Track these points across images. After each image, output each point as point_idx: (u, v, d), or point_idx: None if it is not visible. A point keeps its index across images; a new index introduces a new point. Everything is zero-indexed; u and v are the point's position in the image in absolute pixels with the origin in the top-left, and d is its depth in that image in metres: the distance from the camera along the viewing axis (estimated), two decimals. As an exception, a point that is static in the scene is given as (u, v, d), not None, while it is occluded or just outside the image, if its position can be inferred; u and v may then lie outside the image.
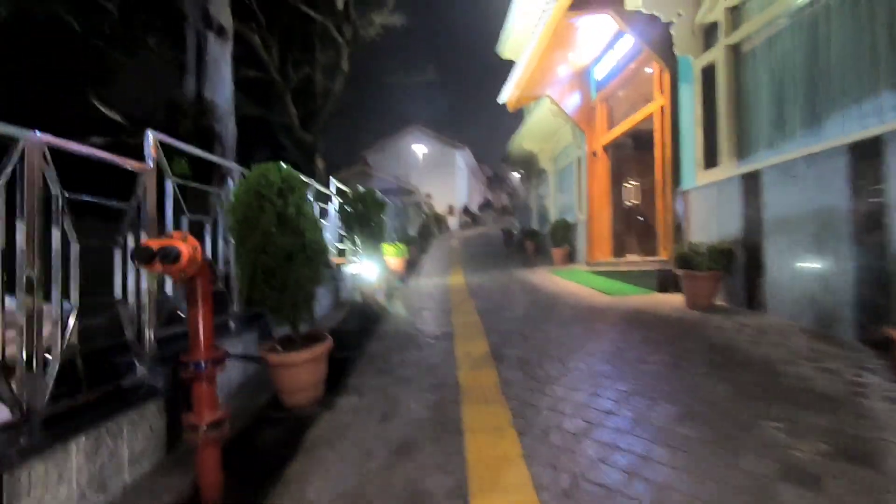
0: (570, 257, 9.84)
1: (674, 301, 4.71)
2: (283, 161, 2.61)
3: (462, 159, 32.27)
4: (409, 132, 28.80)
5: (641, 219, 8.73)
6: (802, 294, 3.44)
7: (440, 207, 27.86)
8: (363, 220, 5.61)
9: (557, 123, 10.53)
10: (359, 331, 4.24)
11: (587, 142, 8.78)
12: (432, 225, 22.18)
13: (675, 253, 4.48)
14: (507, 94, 8.52)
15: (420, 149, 26.13)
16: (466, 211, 30.86)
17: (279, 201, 2.38)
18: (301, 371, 2.47)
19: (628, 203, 8.73)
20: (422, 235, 16.20)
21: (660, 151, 6.28)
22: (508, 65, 9.27)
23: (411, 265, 10.81)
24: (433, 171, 28.47)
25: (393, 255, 8.73)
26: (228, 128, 6.94)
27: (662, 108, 6.14)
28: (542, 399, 2.40)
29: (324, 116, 14.10)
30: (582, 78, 8.73)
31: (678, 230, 5.50)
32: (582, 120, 8.76)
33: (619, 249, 8.78)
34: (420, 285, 7.59)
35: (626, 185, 8.72)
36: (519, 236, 15.42)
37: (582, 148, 9.46)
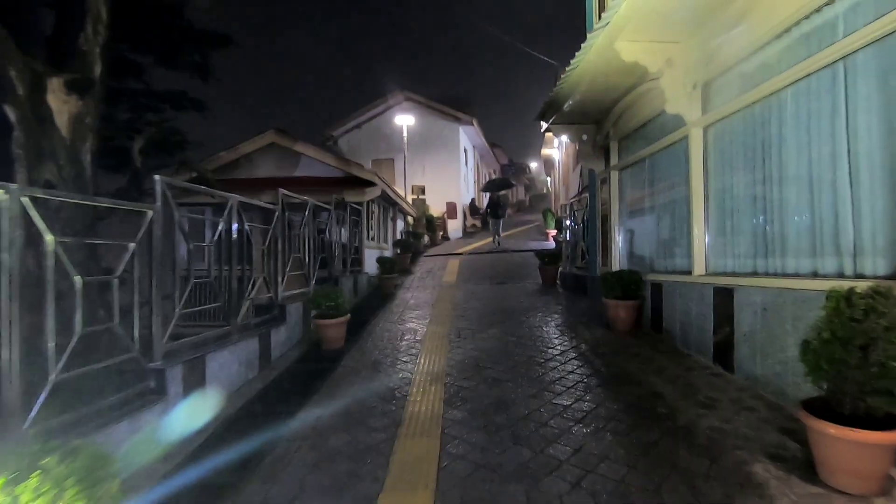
0: None
1: None
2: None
3: (467, 137, 24.13)
4: (393, 101, 20.83)
5: None
6: None
7: (437, 205, 19.93)
8: None
9: None
10: None
11: None
12: (420, 237, 14.35)
13: None
14: None
15: (406, 120, 18.12)
16: (474, 210, 22.75)
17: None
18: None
19: None
20: (388, 268, 8.42)
21: None
22: None
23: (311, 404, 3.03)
24: (427, 154, 20.52)
25: None
26: None
27: None
28: None
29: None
30: None
31: None
32: None
33: None
34: None
35: None
36: (594, 283, 7.36)
37: None
